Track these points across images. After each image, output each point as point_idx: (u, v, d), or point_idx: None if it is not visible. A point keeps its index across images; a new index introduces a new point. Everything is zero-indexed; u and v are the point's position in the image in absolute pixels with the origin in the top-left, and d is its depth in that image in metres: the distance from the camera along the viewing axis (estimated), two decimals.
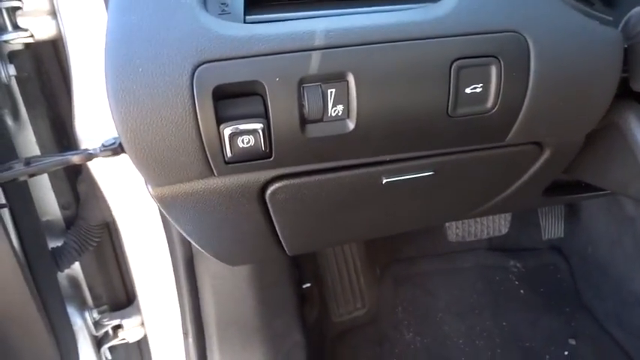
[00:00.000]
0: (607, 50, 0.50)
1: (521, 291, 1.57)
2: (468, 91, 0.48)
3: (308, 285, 1.17)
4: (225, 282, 0.92)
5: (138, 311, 1.10)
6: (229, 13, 0.47)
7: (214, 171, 0.47)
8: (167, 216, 0.55)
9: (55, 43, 0.89)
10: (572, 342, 1.41)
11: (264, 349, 1.00)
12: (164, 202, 0.51)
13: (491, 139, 0.55)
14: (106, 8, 0.68)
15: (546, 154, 0.60)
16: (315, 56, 0.44)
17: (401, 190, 0.59)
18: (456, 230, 1.47)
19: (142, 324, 1.12)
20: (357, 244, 1.45)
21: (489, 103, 0.49)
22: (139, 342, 1.16)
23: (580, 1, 0.55)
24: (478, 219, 1.47)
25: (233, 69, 0.42)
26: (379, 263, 1.59)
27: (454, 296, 1.55)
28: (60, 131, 0.95)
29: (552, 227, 1.50)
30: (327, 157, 0.51)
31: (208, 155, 0.45)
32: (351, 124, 0.47)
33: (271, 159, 0.47)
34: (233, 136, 0.44)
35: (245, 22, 0.46)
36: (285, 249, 0.67)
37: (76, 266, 1.04)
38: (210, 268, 0.91)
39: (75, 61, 0.78)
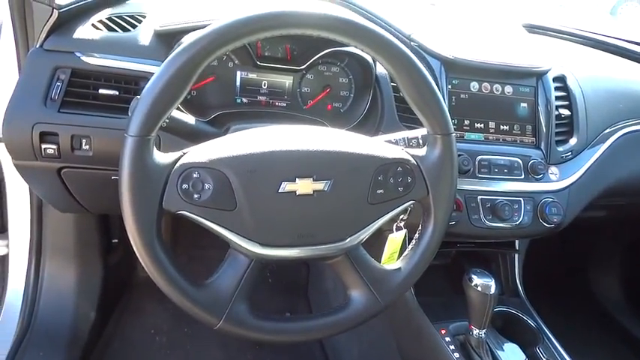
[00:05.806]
0: None
1: None
2: None
3: (115, 241, 1.79)
4: (59, 222, 1.54)
5: (6, 237, 1.68)
6: None
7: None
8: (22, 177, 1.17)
9: None
10: None
11: (78, 270, 1.63)
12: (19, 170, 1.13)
13: None
14: None
15: None
16: None
17: None
18: None
19: (7, 246, 1.70)
20: None
21: None
22: (3, 257, 1.74)
23: None
24: None
25: None
26: None
27: None
28: None
29: None
30: None
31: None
32: None
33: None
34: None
35: None
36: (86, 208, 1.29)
37: None
38: (51, 210, 1.52)
39: None
